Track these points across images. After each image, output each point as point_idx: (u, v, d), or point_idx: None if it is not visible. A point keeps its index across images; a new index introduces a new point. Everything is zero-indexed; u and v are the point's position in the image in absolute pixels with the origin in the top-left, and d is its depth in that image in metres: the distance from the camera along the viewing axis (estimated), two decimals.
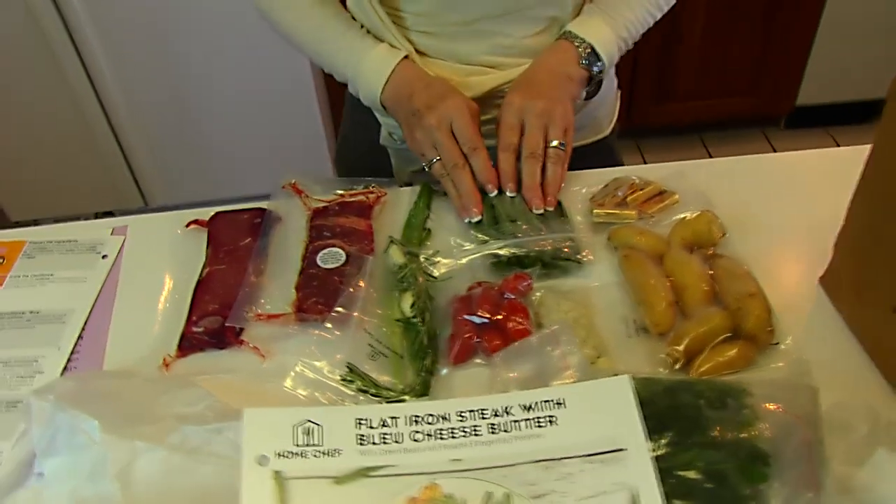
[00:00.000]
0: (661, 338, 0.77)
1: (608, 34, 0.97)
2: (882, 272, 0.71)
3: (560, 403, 0.59)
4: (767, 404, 0.60)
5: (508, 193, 0.91)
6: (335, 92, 2.47)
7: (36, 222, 2.66)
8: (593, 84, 1.02)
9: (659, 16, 1.02)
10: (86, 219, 2.73)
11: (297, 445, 0.57)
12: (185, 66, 2.23)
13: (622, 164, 1.21)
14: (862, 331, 0.76)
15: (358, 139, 1.20)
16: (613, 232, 0.89)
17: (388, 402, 0.74)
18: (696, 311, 0.77)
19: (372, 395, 0.74)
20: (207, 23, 2.17)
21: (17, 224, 2.64)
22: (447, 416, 0.59)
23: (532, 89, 0.93)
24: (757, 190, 0.98)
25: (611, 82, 1.16)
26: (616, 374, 0.64)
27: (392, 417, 0.58)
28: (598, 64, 0.97)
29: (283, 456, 0.57)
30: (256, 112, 2.36)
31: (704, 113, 2.75)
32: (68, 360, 0.84)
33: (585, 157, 1.08)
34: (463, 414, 0.59)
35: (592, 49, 0.96)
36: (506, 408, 0.59)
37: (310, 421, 0.57)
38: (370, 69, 0.97)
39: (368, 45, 0.98)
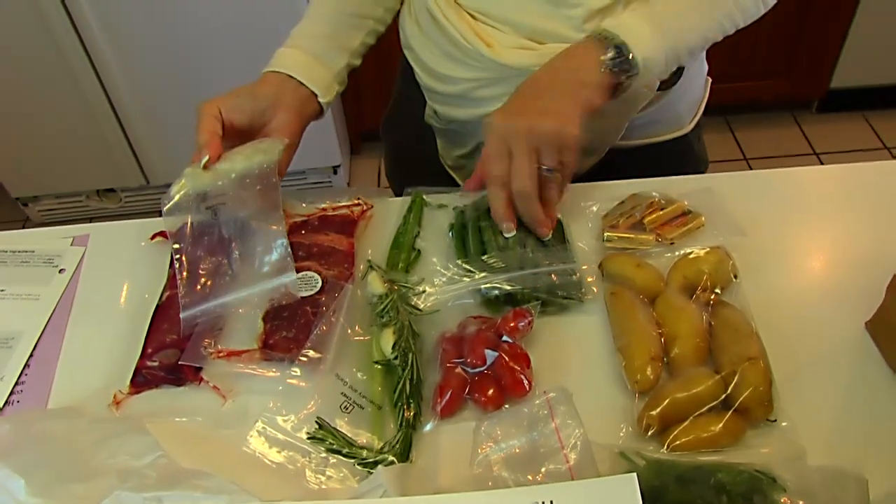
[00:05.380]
0: (641, 397, 0.65)
1: (648, 34, 0.75)
2: None
3: None
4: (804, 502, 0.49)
5: (506, 234, 0.78)
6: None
7: (36, 199, 2.60)
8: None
9: (742, 24, 0.82)
10: (87, 196, 2.62)
11: None
12: (186, 41, 2.14)
13: (706, 164, 1.05)
14: None
15: (405, 113, 1.07)
16: (607, 260, 0.77)
17: (362, 464, 0.64)
18: (683, 370, 0.66)
19: (344, 455, 0.65)
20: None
21: (17, 200, 2.57)
22: None
23: (519, 103, 0.76)
24: (798, 210, 0.85)
25: (699, 67, 0.95)
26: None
27: None
28: (630, 69, 0.75)
29: None
30: None
31: (731, 95, 2.58)
32: (11, 393, 0.76)
33: (660, 158, 0.94)
34: None
35: (623, 50, 0.74)
36: None
37: None
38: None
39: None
